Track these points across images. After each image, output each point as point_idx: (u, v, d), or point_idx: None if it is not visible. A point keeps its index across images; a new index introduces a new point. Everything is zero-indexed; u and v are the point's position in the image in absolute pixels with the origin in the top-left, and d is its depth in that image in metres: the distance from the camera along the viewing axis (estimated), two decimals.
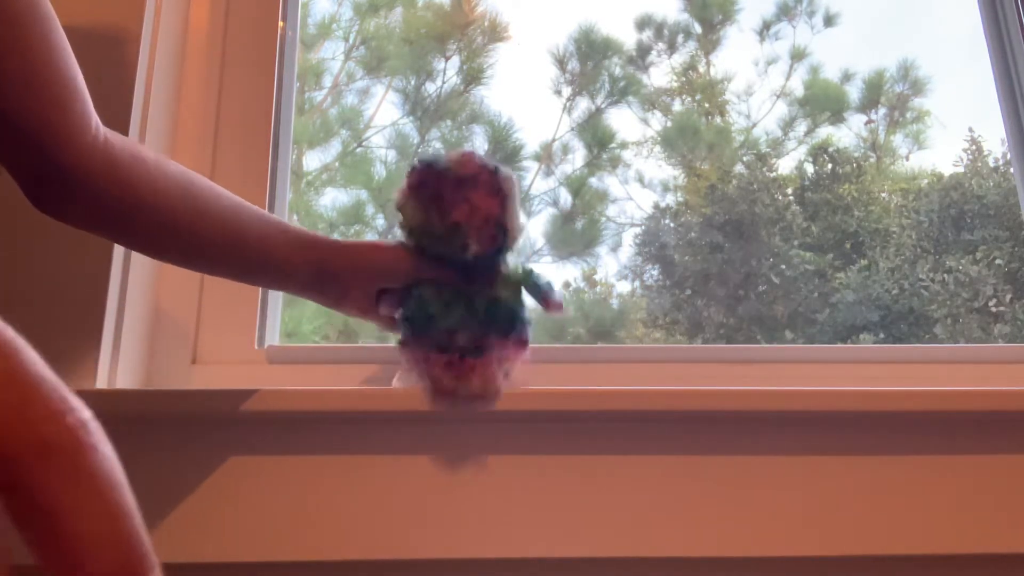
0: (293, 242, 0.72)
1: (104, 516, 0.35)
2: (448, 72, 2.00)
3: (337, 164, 2.00)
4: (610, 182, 1.98)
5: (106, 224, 0.65)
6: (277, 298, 1.03)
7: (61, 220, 0.63)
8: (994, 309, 1.78)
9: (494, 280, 0.77)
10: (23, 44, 0.54)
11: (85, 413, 0.36)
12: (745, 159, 2.07)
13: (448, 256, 0.75)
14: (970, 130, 2.03)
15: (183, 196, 0.65)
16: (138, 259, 0.90)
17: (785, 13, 2.12)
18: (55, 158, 0.57)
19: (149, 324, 0.93)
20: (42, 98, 0.56)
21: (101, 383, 0.82)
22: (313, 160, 1.98)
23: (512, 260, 0.79)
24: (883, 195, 2.06)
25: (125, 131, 0.88)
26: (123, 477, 0.37)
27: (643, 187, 2.02)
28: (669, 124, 2.08)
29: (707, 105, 2.16)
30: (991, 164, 2.01)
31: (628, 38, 2.11)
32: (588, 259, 1.91)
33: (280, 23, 1.07)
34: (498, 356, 0.75)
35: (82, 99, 0.58)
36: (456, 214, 0.74)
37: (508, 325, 0.76)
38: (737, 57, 2.14)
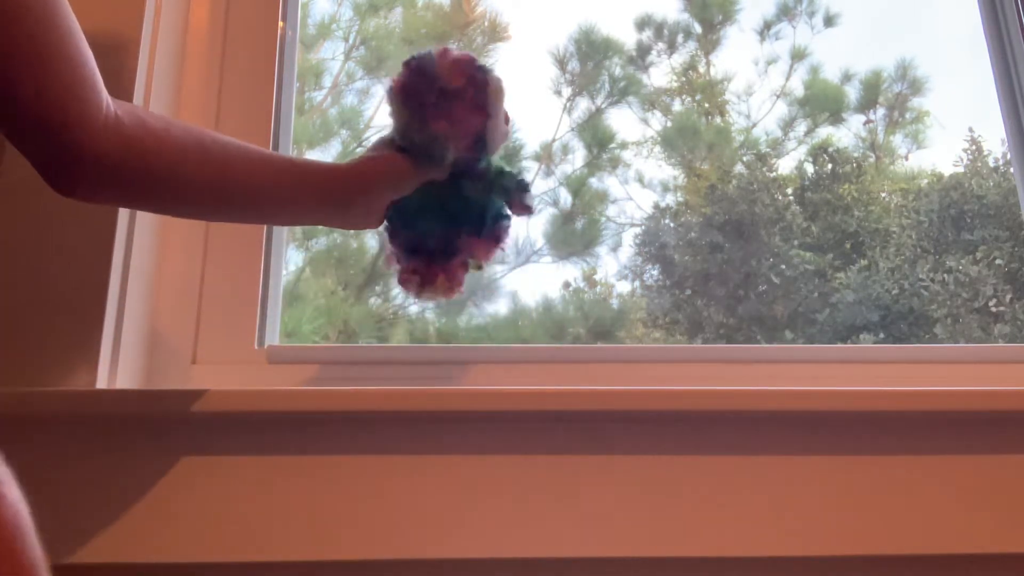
0: (310, 180, 0.72)
1: (7, 568, 0.33)
2: None
3: None
4: (610, 182, 1.98)
5: (123, 197, 0.67)
6: (277, 298, 1.03)
7: (79, 199, 0.63)
8: (994, 309, 1.78)
9: (476, 181, 0.78)
10: (34, 32, 0.54)
11: None
12: (745, 159, 2.07)
13: (428, 160, 0.76)
14: (970, 130, 2.03)
15: (195, 157, 0.66)
16: (138, 260, 0.90)
17: (785, 13, 2.12)
18: (69, 141, 0.58)
19: (149, 324, 0.93)
20: (55, 84, 0.56)
21: (101, 383, 0.82)
22: None
23: (495, 160, 0.80)
24: (883, 195, 2.06)
25: None
26: (30, 523, 0.35)
27: (643, 187, 2.02)
28: (669, 124, 2.08)
29: (707, 105, 2.16)
30: (991, 164, 2.01)
31: (628, 38, 2.11)
32: (588, 259, 1.91)
33: (280, 23, 1.07)
34: (466, 255, 0.79)
35: (92, 81, 0.59)
36: (435, 126, 0.74)
37: (478, 224, 0.78)
38: (737, 57, 2.14)
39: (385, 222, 0.80)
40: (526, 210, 0.80)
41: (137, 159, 0.62)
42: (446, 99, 0.74)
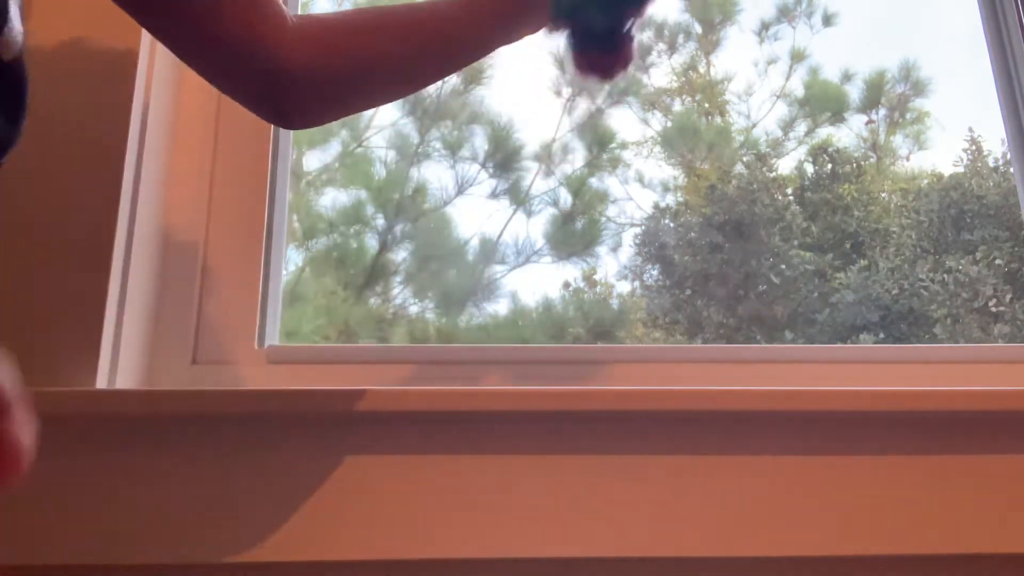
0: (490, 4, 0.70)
1: None
2: None
3: (337, 164, 2.00)
4: (610, 182, 1.98)
5: (342, 104, 0.65)
6: (277, 298, 1.03)
7: (310, 123, 0.63)
8: (994, 309, 1.78)
9: None
10: None
11: None
12: (745, 159, 2.07)
13: None
14: (970, 130, 2.03)
15: (386, 33, 0.64)
16: (138, 259, 0.90)
17: (784, 14, 2.12)
18: (274, 60, 0.58)
19: (149, 324, 0.93)
20: (243, 6, 0.57)
21: (101, 383, 0.82)
22: (313, 160, 1.98)
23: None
24: (883, 195, 2.06)
25: (125, 131, 0.88)
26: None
27: (643, 187, 2.02)
28: (669, 124, 2.08)
29: (707, 105, 2.16)
30: (991, 164, 2.01)
31: None
32: (588, 259, 1.91)
33: None
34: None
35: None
36: None
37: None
38: (737, 57, 2.14)
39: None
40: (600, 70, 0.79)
41: (340, 55, 0.61)
42: None
